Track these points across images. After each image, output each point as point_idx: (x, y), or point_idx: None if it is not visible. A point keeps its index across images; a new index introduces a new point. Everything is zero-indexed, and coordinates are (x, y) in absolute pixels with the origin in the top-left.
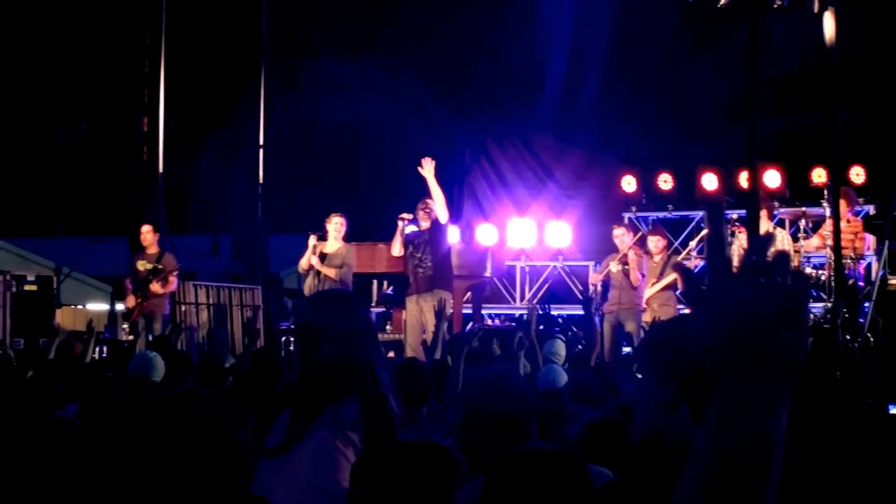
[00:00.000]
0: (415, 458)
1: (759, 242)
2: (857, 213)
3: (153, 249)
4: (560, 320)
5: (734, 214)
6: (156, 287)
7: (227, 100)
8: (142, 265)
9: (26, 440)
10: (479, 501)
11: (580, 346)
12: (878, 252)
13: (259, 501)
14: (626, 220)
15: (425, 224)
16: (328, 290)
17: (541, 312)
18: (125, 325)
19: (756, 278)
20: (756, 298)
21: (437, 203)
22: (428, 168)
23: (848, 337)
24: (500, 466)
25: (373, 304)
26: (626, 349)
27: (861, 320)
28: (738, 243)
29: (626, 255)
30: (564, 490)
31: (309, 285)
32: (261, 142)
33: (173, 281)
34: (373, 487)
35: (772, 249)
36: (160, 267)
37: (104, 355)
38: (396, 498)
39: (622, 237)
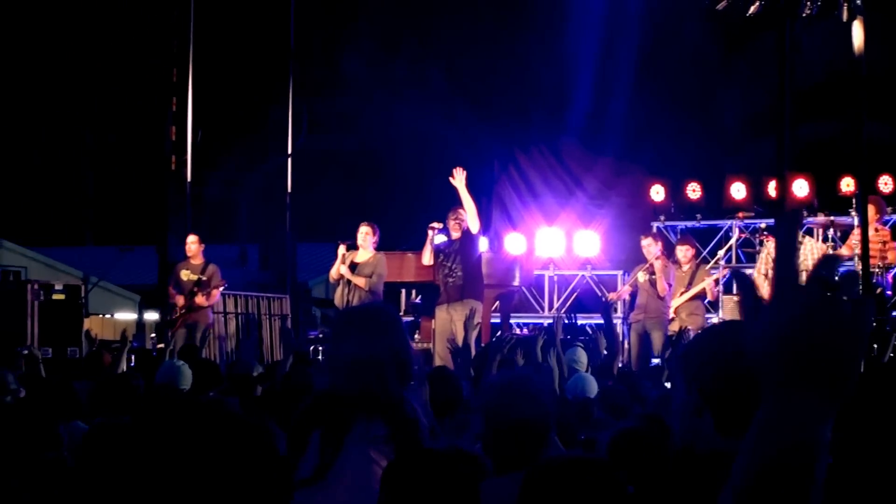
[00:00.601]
0: (442, 465)
1: (829, 260)
2: (885, 223)
3: (198, 259)
4: (588, 329)
5: (763, 223)
6: (200, 299)
7: (256, 108)
8: (186, 275)
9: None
10: None
11: (604, 353)
12: None
13: None
14: (654, 230)
15: (456, 234)
16: (363, 305)
17: (567, 322)
18: (153, 335)
19: (822, 292)
20: (822, 312)
21: (469, 213)
22: (459, 178)
23: (876, 346)
24: (537, 473)
25: (401, 313)
26: (655, 360)
27: (889, 328)
28: (767, 252)
29: (652, 265)
30: (600, 499)
31: (339, 295)
32: (289, 150)
33: (216, 294)
34: (401, 496)
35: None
36: (204, 279)
37: (132, 364)
38: None
39: (649, 247)
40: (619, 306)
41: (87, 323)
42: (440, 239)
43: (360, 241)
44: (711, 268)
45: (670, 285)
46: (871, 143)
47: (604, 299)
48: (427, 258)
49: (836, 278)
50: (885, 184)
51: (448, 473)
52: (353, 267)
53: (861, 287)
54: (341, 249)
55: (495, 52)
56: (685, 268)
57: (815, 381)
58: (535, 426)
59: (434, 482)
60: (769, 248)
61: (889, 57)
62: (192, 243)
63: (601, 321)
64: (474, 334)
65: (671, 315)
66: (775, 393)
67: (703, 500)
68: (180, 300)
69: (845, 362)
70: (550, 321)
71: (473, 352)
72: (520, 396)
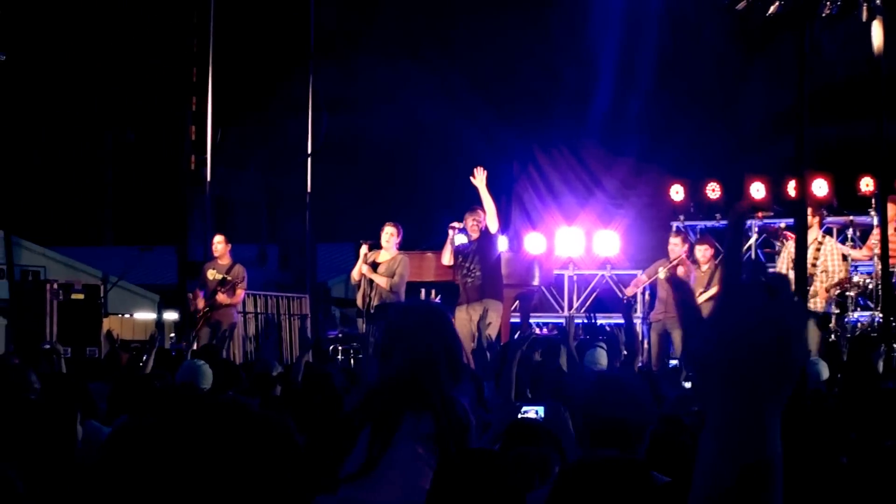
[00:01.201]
0: (493, 466)
1: (760, 264)
2: None
3: (225, 260)
4: (607, 328)
5: (782, 223)
6: (222, 297)
7: (276, 108)
8: (212, 275)
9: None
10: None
11: (624, 354)
12: None
13: None
14: (674, 229)
15: (475, 234)
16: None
17: (586, 321)
18: (172, 335)
19: (765, 294)
20: (769, 313)
21: (489, 213)
22: (480, 178)
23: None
24: (572, 472)
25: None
26: (673, 361)
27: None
28: (787, 251)
29: (675, 267)
30: (637, 499)
31: (361, 295)
32: (309, 150)
33: (241, 293)
34: (451, 495)
35: (771, 270)
36: (228, 278)
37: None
38: None
39: (675, 247)
40: (640, 307)
41: (107, 323)
42: (461, 239)
43: (384, 241)
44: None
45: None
46: (891, 143)
47: (624, 299)
48: (447, 258)
49: (765, 280)
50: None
51: (499, 475)
52: (375, 266)
53: (880, 286)
54: (363, 249)
55: (516, 52)
56: (704, 268)
57: (759, 381)
58: (634, 427)
59: (485, 483)
60: (789, 247)
61: None
62: (219, 243)
63: (622, 321)
64: (487, 334)
65: None
66: (721, 398)
67: None
68: (200, 303)
69: (788, 362)
70: (575, 321)
71: (488, 353)
72: (620, 396)
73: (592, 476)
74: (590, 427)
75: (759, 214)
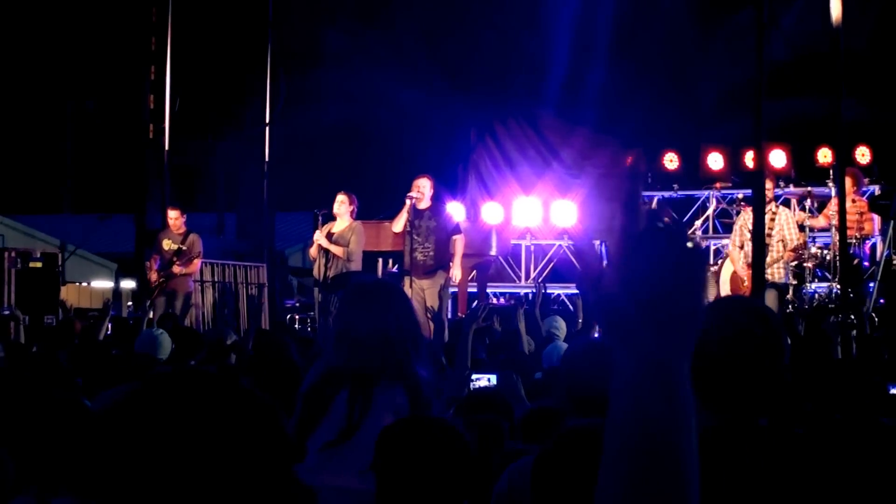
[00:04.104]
0: (439, 432)
1: (656, 212)
2: (862, 194)
3: (180, 230)
4: (563, 298)
5: (740, 194)
6: (178, 268)
7: (234, 77)
8: (167, 244)
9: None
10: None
11: (580, 322)
12: (883, 232)
13: (308, 493)
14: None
15: (421, 202)
16: (371, 281)
17: (535, 291)
18: (129, 303)
19: (664, 241)
20: (668, 258)
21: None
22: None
23: (853, 317)
24: (561, 440)
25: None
26: None
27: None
28: (743, 221)
29: None
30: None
31: (318, 266)
32: (266, 120)
33: (197, 263)
34: (393, 459)
35: (667, 218)
36: (185, 249)
37: (108, 333)
38: (413, 471)
39: None
40: None
41: (64, 291)
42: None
43: (336, 210)
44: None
45: None
46: (848, 116)
47: (581, 272)
48: (399, 226)
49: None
50: (862, 155)
51: (448, 441)
52: (330, 237)
53: (838, 257)
54: (318, 228)
55: (473, 23)
56: None
57: (664, 324)
58: None
59: (432, 449)
60: (744, 219)
61: (866, 31)
62: (175, 219)
63: (577, 291)
64: (430, 305)
65: None
66: (629, 346)
67: None
68: (153, 275)
69: (689, 305)
70: (528, 291)
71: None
72: (606, 365)
73: (588, 442)
74: (573, 397)
75: (718, 185)
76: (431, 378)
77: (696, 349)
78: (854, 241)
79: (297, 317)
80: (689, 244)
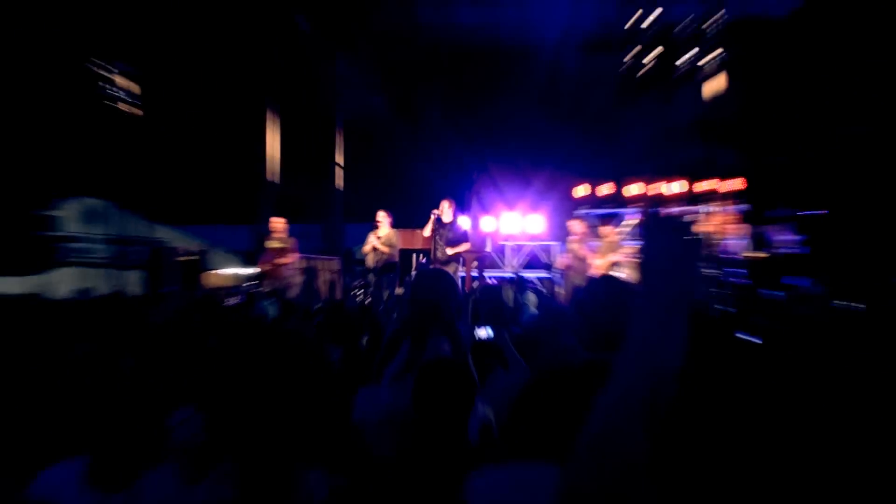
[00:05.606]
0: (450, 370)
1: (671, 220)
2: (738, 211)
3: (283, 234)
4: (534, 280)
5: (648, 211)
6: (281, 260)
7: (325, 137)
8: (272, 244)
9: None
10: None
11: (547, 295)
12: (749, 235)
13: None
14: (580, 214)
15: (446, 217)
16: (431, 269)
17: (514, 276)
18: (250, 283)
19: (672, 239)
20: (674, 249)
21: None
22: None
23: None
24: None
25: (413, 269)
26: None
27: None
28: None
29: (578, 239)
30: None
31: (370, 258)
32: (335, 160)
33: (293, 256)
34: (428, 390)
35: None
36: (286, 247)
37: (241, 301)
38: (438, 392)
39: (574, 226)
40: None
41: (206, 275)
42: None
43: (379, 219)
44: (620, 242)
45: (591, 251)
46: (724, 160)
47: (549, 263)
48: (427, 232)
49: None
50: (736, 184)
51: (466, 375)
52: (377, 240)
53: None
54: (372, 233)
55: (476, 102)
56: (605, 239)
57: (670, 297)
58: (442, 305)
59: (455, 380)
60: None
61: (741, 101)
62: (278, 223)
63: (545, 275)
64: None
65: (592, 271)
66: (644, 313)
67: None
68: (265, 264)
69: (685, 280)
70: (512, 275)
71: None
72: (435, 282)
73: (584, 379)
74: (415, 305)
75: (637, 203)
76: (467, 334)
77: (588, 306)
78: (719, 237)
79: (358, 292)
80: (692, 236)
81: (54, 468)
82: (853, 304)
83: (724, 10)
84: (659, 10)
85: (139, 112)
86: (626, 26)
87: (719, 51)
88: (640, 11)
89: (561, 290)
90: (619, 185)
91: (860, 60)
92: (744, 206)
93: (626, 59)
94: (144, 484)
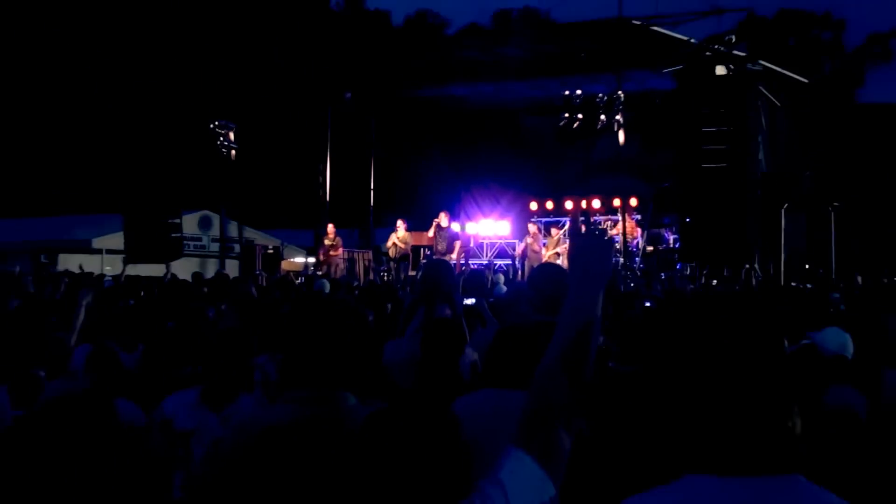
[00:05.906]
0: (448, 326)
1: (594, 224)
2: (634, 220)
3: (333, 234)
4: (502, 265)
5: (579, 219)
6: (333, 252)
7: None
8: (327, 241)
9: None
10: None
11: (510, 278)
12: (645, 237)
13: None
14: (534, 221)
15: (443, 223)
16: (438, 259)
17: (488, 263)
18: (311, 268)
19: (593, 238)
20: (595, 246)
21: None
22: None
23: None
24: (514, 329)
25: (421, 259)
26: None
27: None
28: (552, 240)
29: (532, 236)
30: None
31: (392, 251)
32: (371, 185)
33: (340, 250)
34: (434, 341)
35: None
36: (334, 243)
37: (302, 280)
38: (438, 340)
39: (531, 227)
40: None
41: (284, 263)
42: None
43: (398, 225)
44: (562, 239)
45: (543, 246)
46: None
47: (511, 252)
48: (430, 233)
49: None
50: (634, 202)
51: (458, 330)
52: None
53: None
54: (394, 234)
55: (466, 140)
56: (553, 237)
57: (592, 275)
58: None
59: (450, 333)
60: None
61: (642, 144)
62: (330, 227)
63: (509, 262)
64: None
65: (544, 260)
66: (575, 287)
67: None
68: (322, 255)
69: (602, 267)
70: (487, 262)
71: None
72: (438, 269)
73: (537, 332)
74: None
75: (570, 214)
76: (460, 303)
77: (539, 283)
78: (630, 238)
79: (384, 275)
80: (605, 237)
81: (175, 395)
82: (715, 283)
83: (621, 91)
84: (580, 90)
85: (234, 153)
86: (562, 97)
87: (621, 114)
88: (568, 91)
89: (520, 273)
90: (559, 202)
91: (710, 119)
92: (637, 216)
93: (563, 117)
94: (239, 404)
